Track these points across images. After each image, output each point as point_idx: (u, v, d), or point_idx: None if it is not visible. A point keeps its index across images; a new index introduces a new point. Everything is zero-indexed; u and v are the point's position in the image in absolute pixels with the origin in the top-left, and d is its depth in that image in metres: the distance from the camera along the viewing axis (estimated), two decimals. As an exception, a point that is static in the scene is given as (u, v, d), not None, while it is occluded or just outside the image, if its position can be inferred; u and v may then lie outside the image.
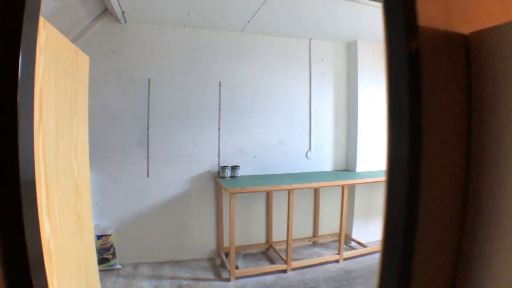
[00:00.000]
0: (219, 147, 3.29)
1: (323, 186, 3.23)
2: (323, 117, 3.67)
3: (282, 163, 3.51)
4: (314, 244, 3.66)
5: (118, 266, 2.96)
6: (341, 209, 3.19)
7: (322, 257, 3.20)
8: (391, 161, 0.66)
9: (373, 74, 3.62)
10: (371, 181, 3.24)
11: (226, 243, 3.25)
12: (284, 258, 3.03)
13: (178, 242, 3.19)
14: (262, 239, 3.47)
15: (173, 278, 2.84)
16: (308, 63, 3.58)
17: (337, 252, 3.26)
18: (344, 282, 2.80)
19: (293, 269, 2.99)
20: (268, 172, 3.47)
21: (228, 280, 2.80)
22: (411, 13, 0.63)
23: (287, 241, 2.94)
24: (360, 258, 3.29)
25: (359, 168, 3.60)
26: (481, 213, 0.66)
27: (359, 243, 3.55)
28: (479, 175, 0.67)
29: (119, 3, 2.55)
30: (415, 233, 0.62)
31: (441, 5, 0.70)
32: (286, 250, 2.97)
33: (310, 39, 3.57)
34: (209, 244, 3.29)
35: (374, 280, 2.85)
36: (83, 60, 1.48)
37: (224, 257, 3.13)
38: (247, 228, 3.39)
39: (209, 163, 3.25)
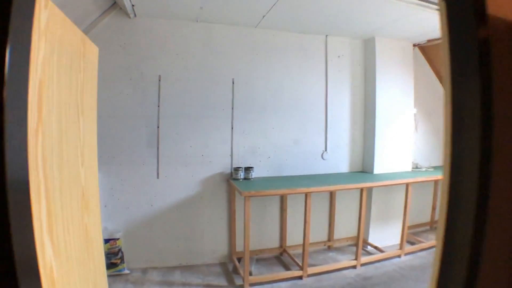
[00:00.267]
0: (232, 148, 3.15)
1: (342, 189, 3.08)
2: (340, 117, 3.53)
3: (297, 164, 3.38)
4: (329, 248, 3.52)
5: (127, 271, 2.84)
6: (359, 212, 3.06)
7: (338, 263, 3.06)
8: (455, 160, 0.60)
9: (392, 71, 3.49)
10: (392, 183, 3.11)
11: (238, 248, 3.12)
12: (299, 263, 2.90)
13: (188, 246, 3.06)
14: (275, 243, 3.34)
15: (184, 284, 2.72)
16: (324, 60, 3.44)
17: (353, 257, 3.14)
18: (364, 290, 2.67)
19: (309, 275, 2.86)
20: (283, 174, 3.33)
21: (241, 287, 2.67)
22: (480, 0, 0.57)
23: (303, 246, 2.81)
24: (377, 264, 3.16)
25: (377, 169, 3.46)
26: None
27: (375, 247, 3.41)
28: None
29: (129, -5, 2.43)
30: (482, 241, 0.55)
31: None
32: (302, 255, 2.83)
33: (327, 35, 3.43)
34: (221, 249, 3.16)
35: (397, 288, 2.74)
36: (92, 50, 1.30)
37: (236, 262, 3.01)
38: (260, 232, 3.26)
39: (221, 164, 3.12)
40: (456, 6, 0.60)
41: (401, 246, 3.28)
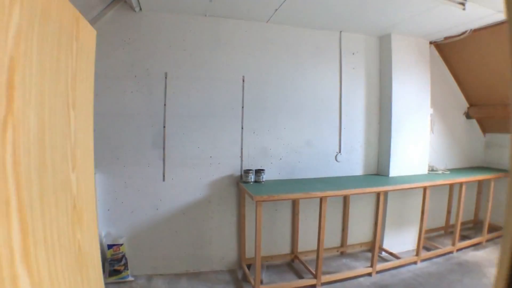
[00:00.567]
0: (241, 149, 3.00)
1: (358, 193, 2.92)
2: (354, 116, 3.37)
3: (310, 166, 3.22)
4: (342, 254, 3.37)
5: (131, 279, 2.71)
6: (375, 217, 2.91)
7: (353, 271, 2.91)
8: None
9: (408, 70, 3.33)
10: (410, 187, 2.96)
11: (248, 254, 2.97)
12: (313, 271, 2.75)
13: (196, 252, 2.91)
14: (286, 249, 3.19)
15: (191, 293, 2.57)
16: (339, 57, 3.28)
17: (368, 264, 2.99)
18: (382, 301, 2.53)
19: (323, 284, 2.71)
20: (295, 176, 3.18)
21: (252, 296, 2.53)
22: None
23: (317, 253, 2.66)
24: (393, 271, 3.02)
25: (392, 172, 3.31)
26: None
27: (391, 253, 3.26)
28: None
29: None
30: None
31: None
32: (316, 263, 2.68)
33: (341, 32, 3.27)
34: (230, 255, 3.01)
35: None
36: (88, 32, 1.07)
37: (246, 269, 2.85)
38: (271, 237, 3.10)
39: (230, 166, 2.97)
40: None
41: (417, 252, 3.13)
